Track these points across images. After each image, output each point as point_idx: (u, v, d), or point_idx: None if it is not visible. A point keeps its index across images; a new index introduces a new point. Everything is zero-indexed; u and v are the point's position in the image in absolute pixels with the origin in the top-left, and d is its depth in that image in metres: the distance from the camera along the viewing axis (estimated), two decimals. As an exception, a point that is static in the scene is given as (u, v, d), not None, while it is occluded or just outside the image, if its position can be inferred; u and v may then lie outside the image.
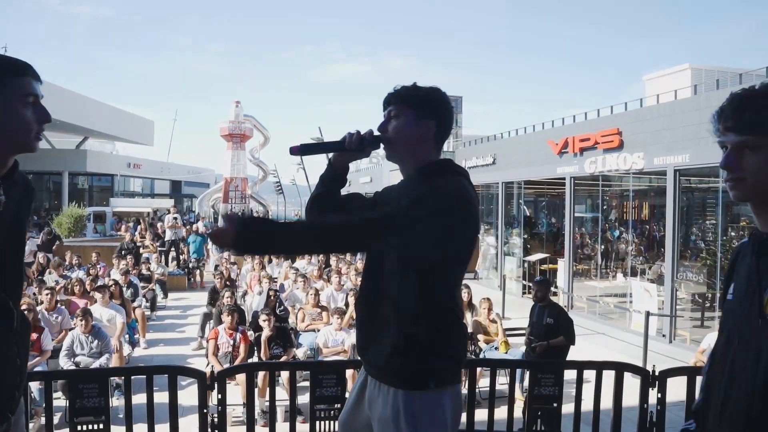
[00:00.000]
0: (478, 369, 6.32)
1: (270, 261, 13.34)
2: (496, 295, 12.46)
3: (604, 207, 17.26)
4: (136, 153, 49.36)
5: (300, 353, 7.38)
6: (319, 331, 7.56)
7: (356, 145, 2.22)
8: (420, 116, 2.16)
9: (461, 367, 2.22)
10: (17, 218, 1.82)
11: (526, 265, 15.46)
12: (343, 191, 2.45)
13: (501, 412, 5.42)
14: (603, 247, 15.67)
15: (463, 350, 2.23)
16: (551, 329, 6.15)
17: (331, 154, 2.40)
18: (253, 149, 44.79)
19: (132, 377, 4.64)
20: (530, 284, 14.92)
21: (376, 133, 2.23)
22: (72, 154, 42.08)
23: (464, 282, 9.53)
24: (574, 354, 6.75)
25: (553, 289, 13.63)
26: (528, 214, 20.06)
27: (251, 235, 1.88)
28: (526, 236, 16.65)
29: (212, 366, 6.53)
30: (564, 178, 13.76)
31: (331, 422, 4.79)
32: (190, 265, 16.42)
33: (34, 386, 5.82)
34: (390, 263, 2.11)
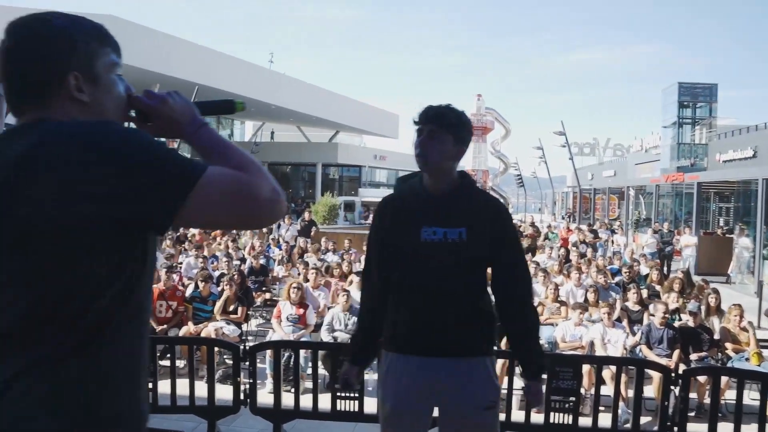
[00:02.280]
0: (724, 379, 6.00)
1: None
2: (750, 301, 11.45)
3: None
4: (382, 145, 52.16)
5: (537, 345, 7.52)
6: (557, 325, 7.63)
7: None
8: (457, 142, 2.58)
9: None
10: None
11: (789, 271, 13.96)
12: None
13: (749, 429, 5.13)
14: None
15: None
16: None
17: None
18: (494, 142, 45.46)
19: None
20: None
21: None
22: (325, 147, 45.82)
23: (712, 286, 9.06)
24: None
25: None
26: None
27: None
28: (791, 238, 14.99)
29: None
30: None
31: (566, 414, 4.89)
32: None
33: (302, 354, 6.65)
34: None
